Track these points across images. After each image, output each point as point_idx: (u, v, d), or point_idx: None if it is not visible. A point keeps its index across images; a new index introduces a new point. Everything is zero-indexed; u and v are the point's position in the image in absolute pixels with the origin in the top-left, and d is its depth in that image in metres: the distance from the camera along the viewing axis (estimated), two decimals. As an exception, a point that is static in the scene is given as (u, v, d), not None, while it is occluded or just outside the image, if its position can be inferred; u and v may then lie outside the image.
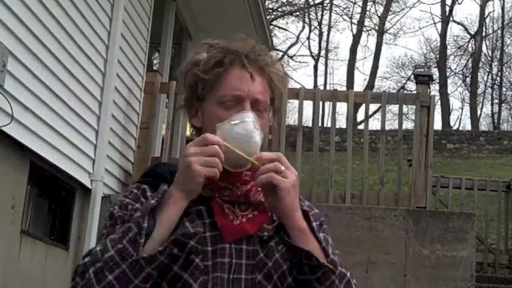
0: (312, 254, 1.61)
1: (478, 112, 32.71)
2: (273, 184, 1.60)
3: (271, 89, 1.72)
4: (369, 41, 48.14)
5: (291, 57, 31.81)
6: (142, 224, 1.57)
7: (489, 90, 33.59)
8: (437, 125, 28.89)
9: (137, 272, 1.55)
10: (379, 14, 32.48)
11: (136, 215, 1.60)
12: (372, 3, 32.15)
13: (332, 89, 17.41)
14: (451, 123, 32.10)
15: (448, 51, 33.14)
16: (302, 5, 30.48)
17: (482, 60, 33.11)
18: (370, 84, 31.54)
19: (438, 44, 33.46)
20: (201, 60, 1.71)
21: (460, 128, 31.68)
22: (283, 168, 1.61)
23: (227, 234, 1.66)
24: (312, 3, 31.29)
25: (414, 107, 6.85)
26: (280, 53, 29.41)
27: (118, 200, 1.72)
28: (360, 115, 24.24)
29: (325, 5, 32.37)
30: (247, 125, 1.65)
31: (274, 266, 1.68)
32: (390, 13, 32.81)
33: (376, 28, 32.74)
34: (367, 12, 32.37)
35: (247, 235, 1.68)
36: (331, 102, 7.15)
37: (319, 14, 33.15)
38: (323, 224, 1.80)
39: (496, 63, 33.57)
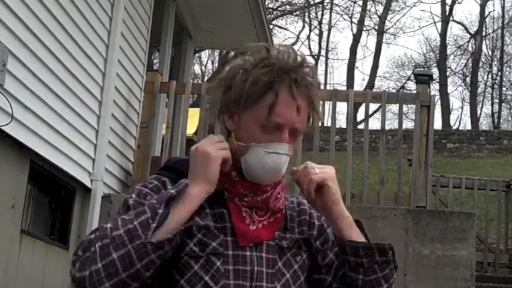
0: (386, 248, 1.78)
1: (478, 112, 32.72)
2: (319, 182, 1.67)
3: (311, 109, 1.70)
4: (368, 40, 48.22)
5: (291, 57, 31.74)
6: (158, 209, 1.57)
7: (489, 89, 33.63)
8: (438, 124, 28.91)
9: (141, 256, 1.54)
10: (379, 14, 32.49)
11: (152, 201, 1.60)
12: (372, 2, 32.17)
13: (332, 88, 17.40)
14: (451, 123, 32.12)
15: (448, 51, 33.16)
16: (302, 5, 30.48)
17: (482, 59, 33.13)
18: (370, 84, 31.54)
19: (438, 44, 33.48)
20: (251, 72, 1.66)
21: (460, 128, 31.68)
22: (316, 169, 1.69)
23: (242, 238, 1.67)
24: (312, 2, 31.30)
25: (414, 106, 6.85)
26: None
27: (136, 188, 1.71)
28: (360, 114, 24.23)
29: (325, 4, 32.39)
30: (280, 158, 1.67)
31: (293, 277, 1.71)
32: (390, 12, 32.83)
33: (376, 28, 32.75)
34: (367, 12, 32.38)
35: (260, 241, 1.69)
36: (331, 102, 7.14)
37: (319, 13, 33.19)
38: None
39: (496, 62, 33.60)
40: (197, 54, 26.23)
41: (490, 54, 33.63)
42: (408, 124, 23.51)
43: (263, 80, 1.63)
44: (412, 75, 29.73)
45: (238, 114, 1.68)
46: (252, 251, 1.67)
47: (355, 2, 32.26)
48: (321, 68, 33.48)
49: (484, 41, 33.16)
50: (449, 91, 33.03)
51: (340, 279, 1.77)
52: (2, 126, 4.28)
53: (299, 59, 1.69)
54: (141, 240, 1.53)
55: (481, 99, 33.77)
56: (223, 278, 1.62)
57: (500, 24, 33.46)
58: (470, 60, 33.02)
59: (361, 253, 1.71)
